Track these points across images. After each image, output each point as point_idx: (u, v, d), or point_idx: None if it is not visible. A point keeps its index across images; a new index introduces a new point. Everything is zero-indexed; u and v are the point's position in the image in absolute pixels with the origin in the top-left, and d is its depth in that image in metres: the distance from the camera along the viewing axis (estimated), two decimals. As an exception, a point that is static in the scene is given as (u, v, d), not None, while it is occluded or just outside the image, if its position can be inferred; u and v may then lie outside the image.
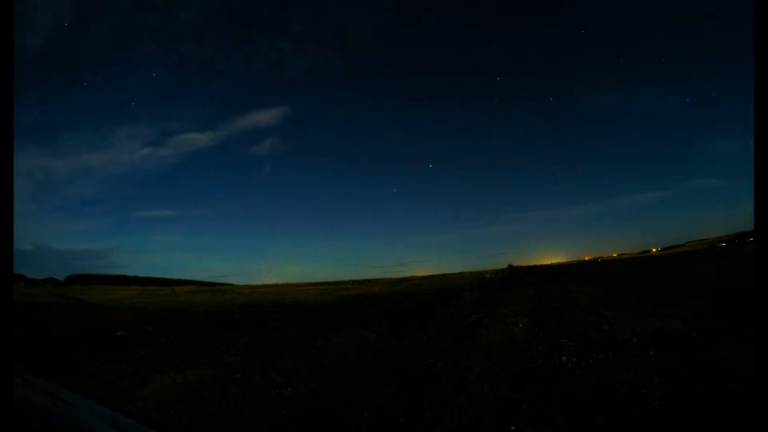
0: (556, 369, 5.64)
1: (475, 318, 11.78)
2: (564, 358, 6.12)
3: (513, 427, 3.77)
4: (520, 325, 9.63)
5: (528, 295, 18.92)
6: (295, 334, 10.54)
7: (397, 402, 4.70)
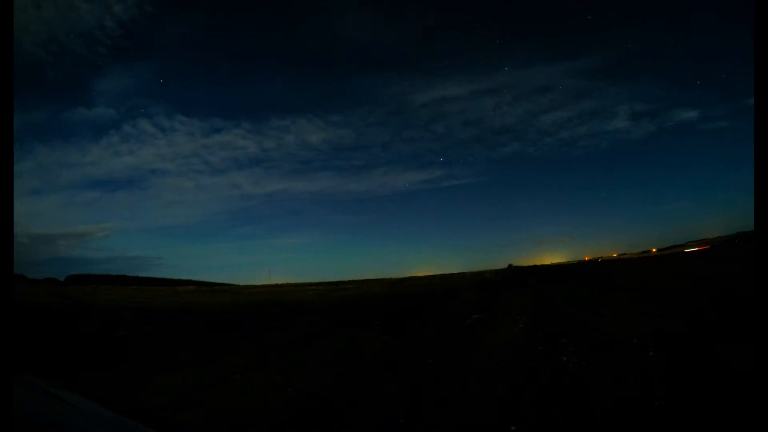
0: (556, 369, 5.64)
1: (475, 318, 11.78)
2: (564, 358, 6.11)
3: (513, 427, 3.77)
4: (520, 325, 9.63)
5: (528, 295, 18.91)
6: (295, 334, 10.53)
7: (397, 402, 4.70)
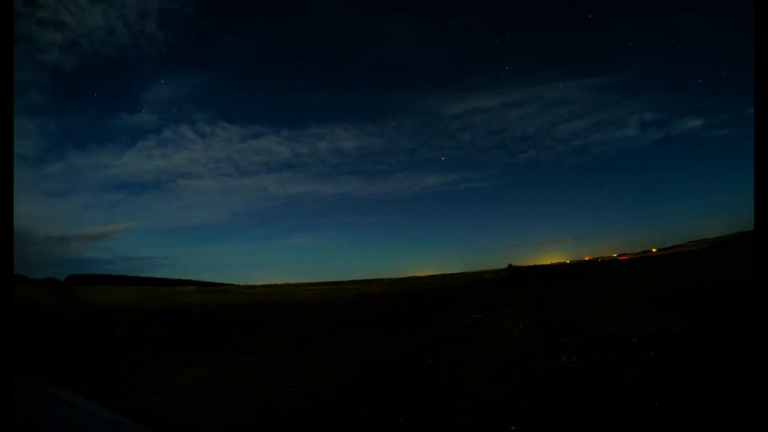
0: (557, 369, 5.64)
1: (475, 318, 11.78)
2: (564, 358, 6.12)
3: (513, 428, 3.77)
4: (520, 326, 9.63)
5: (528, 296, 18.92)
6: (295, 334, 10.54)
7: (397, 402, 4.70)
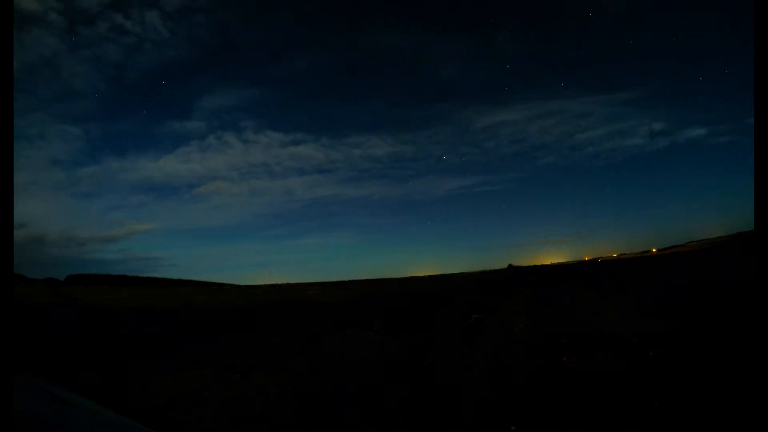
0: (557, 369, 5.64)
1: (475, 318, 11.78)
2: (564, 358, 6.12)
3: (513, 427, 3.77)
4: (520, 325, 9.63)
5: (528, 295, 18.92)
6: (295, 334, 10.53)
7: (397, 402, 4.70)
